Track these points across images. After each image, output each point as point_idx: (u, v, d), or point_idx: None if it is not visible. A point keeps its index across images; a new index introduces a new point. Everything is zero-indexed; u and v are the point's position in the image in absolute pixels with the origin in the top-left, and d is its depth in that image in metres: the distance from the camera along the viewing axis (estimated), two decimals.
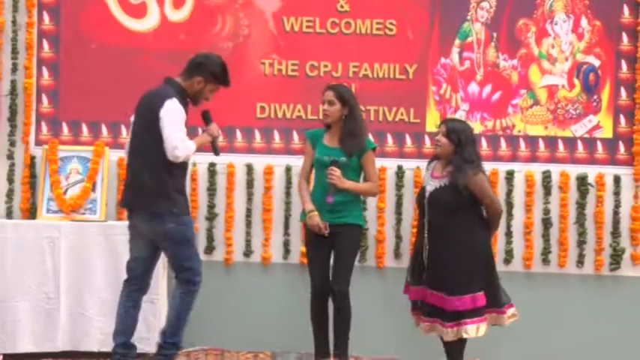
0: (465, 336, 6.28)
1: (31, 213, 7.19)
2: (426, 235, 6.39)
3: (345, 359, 6.43)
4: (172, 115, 5.95)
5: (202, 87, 6.13)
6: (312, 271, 6.53)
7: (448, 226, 6.32)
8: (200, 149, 6.19)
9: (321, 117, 6.64)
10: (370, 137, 6.79)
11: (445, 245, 6.31)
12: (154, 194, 5.98)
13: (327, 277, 6.48)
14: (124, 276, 6.68)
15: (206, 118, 6.25)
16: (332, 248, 6.48)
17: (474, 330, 6.28)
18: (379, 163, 7.04)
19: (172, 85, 6.13)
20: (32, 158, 7.28)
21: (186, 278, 6.12)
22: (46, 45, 7.38)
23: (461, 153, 6.32)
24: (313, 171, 6.60)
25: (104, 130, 7.36)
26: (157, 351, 6.27)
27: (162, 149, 5.93)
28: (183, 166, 6.11)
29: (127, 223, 6.87)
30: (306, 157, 6.63)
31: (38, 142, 7.33)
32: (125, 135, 7.32)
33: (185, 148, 5.95)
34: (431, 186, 6.41)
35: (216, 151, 6.33)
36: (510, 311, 6.44)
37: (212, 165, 7.29)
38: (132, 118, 6.26)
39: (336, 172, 6.38)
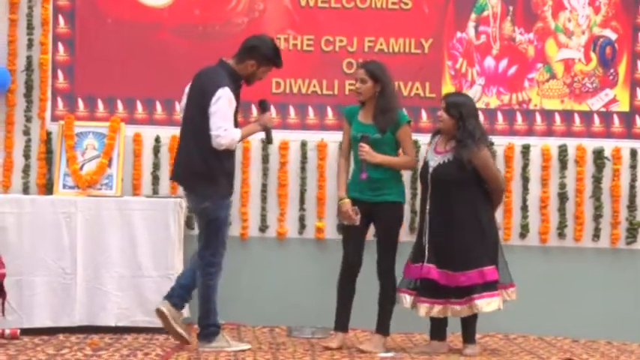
0: (475, 311, 6.28)
1: (48, 188, 7.21)
2: (427, 211, 6.38)
3: (386, 334, 6.48)
4: (221, 104, 6.08)
5: (255, 69, 6.24)
6: (346, 245, 6.55)
7: (453, 201, 6.31)
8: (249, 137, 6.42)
9: (353, 95, 6.59)
10: (404, 111, 6.70)
11: (450, 221, 6.31)
12: (200, 176, 6.17)
13: (360, 252, 6.50)
14: (140, 251, 6.77)
15: (263, 107, 6.39)
16: (370, 224, 6.50)
17: (483, 305, 6.27)
18: None
19: (225, 69, 6.22)
20: (48, 134, 7.29)
21: (205, 258, 6.21)
22: (61, 20, 7.38)
23: (463, 127, 6.28)
24: None
25: (120, 105, 7.37)
26: (197, 334, 6.38)
27: (203, 131, 6.11)
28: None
29: (142, 198, 7.01)
30: (345, 134, 6.62)
31: (54, 118, 7.34)
32: (140, 110, 7.35)
33: (228, 136, 6.08)
34: (434, 161, 6.40)
35: (269, 138, 6.41)
36: (514, 289, 6.48)
37: None
38: (186, 90, 6.40)
39: (364, 147, 6.37)
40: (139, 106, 7.35)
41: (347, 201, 6.46)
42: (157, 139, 7.30)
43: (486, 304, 6.28)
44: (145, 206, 6.88)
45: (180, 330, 6.29)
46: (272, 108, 6.87)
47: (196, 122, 6.17)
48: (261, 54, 6.23)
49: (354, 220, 6.40)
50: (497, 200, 6.45)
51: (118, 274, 6.77)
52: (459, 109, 6.32)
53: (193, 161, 6.18)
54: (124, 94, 7.36)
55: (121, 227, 6.80)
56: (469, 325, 6.44)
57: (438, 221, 6.34)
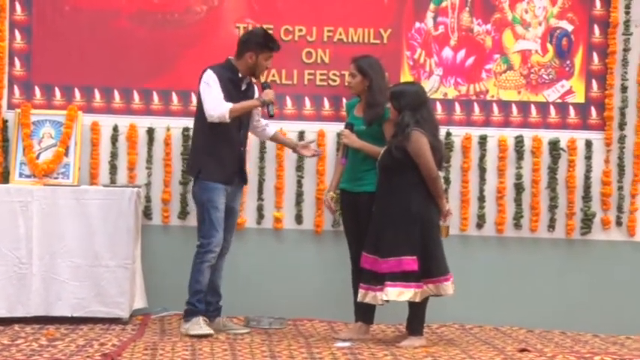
0: (384, 298, 6.25)
1: (4, 177, 7.14)
2: None
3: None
4: (205, 83, 6.46)
5: (255, 60, 6.51)
6: (348, 239, 6.70)
7: (388, 189, 6.34)
8: (246, 111, 6.56)
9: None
10: None
11: (383, 208, 6.35)
12: (191, 160, 6.71)
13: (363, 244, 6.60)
14: (98, 240, 6.75)
15: (264, 86, 6.67)
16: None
17: (394, 293, 6.22)
18: None
19: (225, 62, 6.59)
20: (4, 122, 7.22)
21: (198, 241, 6.51)
22: (18, 8, 7.30)
23: (402, 117, 6.31)
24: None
25: (77, 93, 7.31)
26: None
27: (199, 116, 6.53)
28: (225, 133, 6.45)
29: (99, 188, 6.98)
30: None
31: (11, 106, 7.27)
32: (98, 99, 7.31)
33: (217, 109, 6.40)
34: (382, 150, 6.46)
35: (269, 112, 6.61)
36: (450, 284, 6.34)
37: None
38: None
39: (345, 131, 6.56)
40: (97, 95, 7.31)
41: (330, 194, 6.69)
42: (115, 128, 7.26)
43: (398, 293, 6.23)
44: (102, 195, 6.84)
45: (239, 331, 6.64)
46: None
47: (197, 110, 6.63)
48: (254, 43, 6.50)
49: (332, 212, 6.82)
50: (434, 189, 6.31)
51: (74, 263, 6.73)
52: (399, 100, 6.35)
53: (190, 147, 6.79)
54: (81, 82, 7.32)
55: (77, 217, 6.76)
56: (414, 316, 6.43)
57: (376, 208, 6.40)
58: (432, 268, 6.30)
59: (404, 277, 6.24)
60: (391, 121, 6.46)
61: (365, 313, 6.60)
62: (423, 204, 6.30)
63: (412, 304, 6.36)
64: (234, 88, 6.54)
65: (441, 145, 6.51)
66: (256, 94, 6.70)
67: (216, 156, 6.48)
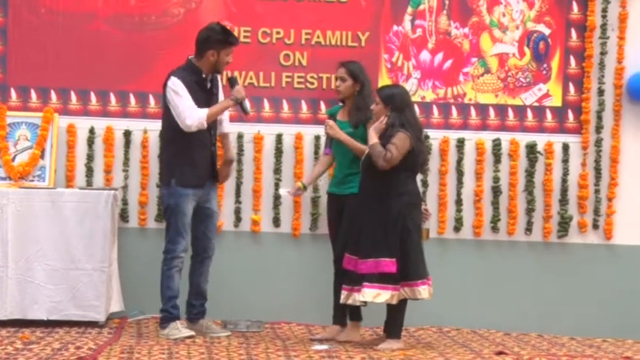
0: (361, 299, 6.24)
1: None
2: None
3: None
4: (174, 92, 6.40)
5: (217, 57, 6.49)
6: (333, 242, 6.72)
7: (366, 189, 6.36)
8: (222, 113, 6.58)
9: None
10: None
11: (362, 209, 6.35)
12: (161, 165, 6.72)
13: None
14: (74, 243, 6.70)
15: (231, 82, 6.60)
16: None
17: (371, 295, 6.21)
18: None
19: (186, 64, 6.55)
20: None
21: (165, 245, 6.52)
22: None
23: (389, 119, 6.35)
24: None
25: (53, 96, 7.27)
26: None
27: (167, 123, 6.51)
28: (197, 137, 6.42)
29: (75, 190, 6.93)
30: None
31: None
32: (74, 101, 7.27)
33: (193, 116, 6.36)
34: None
35: (244, 110, 6.58)
36: (426, 288, 6.31)
37: None
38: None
39: (329, 122, 6.61)
40: (73, 97, 7.27)
41: (299, 184, 6.81)
42: (92, 131, 7.23)
43: (374, 294, 6.22)
44: (79, 198, 6.79)
45: (221, 334, 6.61)
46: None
47: (163, 116, 6.61)
48: (215, 40, 6.47)
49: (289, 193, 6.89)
50: (373, 152, 6.24)
51: (50, 266, 6.69)
52: (387, 101, 6.37)
53: (160, 152, 6.77)
54: (57, 85, 7.27)
55: (53, 219, 6.72)
56: (392, 318, 6.42)
57: (357, 209, 6.40)
58: (409, 272, 6.29)
59: (381, 279, 6.23)
60: (373, 122, 6.46)
61: (344, 315, 6.63)
62: (405, 207, 6.30)
63: (390, 307, 6.36)
64: (200, 90, 6.51)
65: (424, 147, 6.53)
66: (220, 88, 6.72)
67: (190, 161, 6.45)
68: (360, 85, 6.62)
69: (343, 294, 6.39)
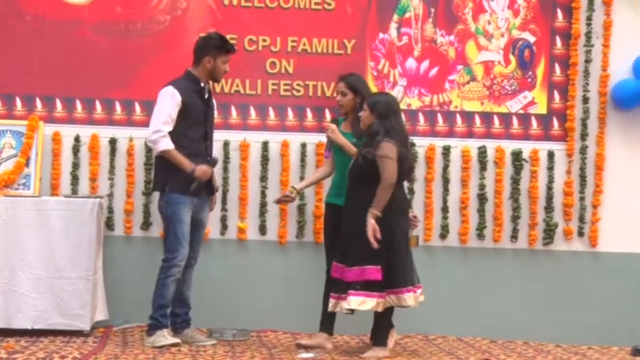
0: (346, 306, 6.24)
1: None
2: None
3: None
4: (161, 100, 6.47)
5: (213, 63, 6.55)
6: (327, 251, 6.72)
7: (356, 198, 6.35)
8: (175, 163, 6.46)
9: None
10: None
11: (349, 217, 6.36)
12: (155, 173, 6.65)
13: None
14: (59, 252, 6.68)
15: (210, 162, 6.56)
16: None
17: (356, 302, 6.21)
18: (319, 137, 7.21)
19: (185, 75, 6.58)
20: None
21: (164, 255, 6.50)
22: None
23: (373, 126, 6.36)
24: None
25: (38, 103, 7.25)
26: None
27: None
28: (192, 146, 6.46)
29: (60, 198, 6.90)
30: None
31: None
32: (60, 109, 7.25)
33: (155, 138, 6.43)
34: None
35: (193, 188, 6.45)
36: (411, 295, 6.29)
37: None
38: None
39: (331, 126, 6.66)
40: (59, 105, 7.25)
41: (291, 188, 6.84)
42: (77, 139, 7.21)
43: (360, 302, 6.22)
44: (64, 206, 6.76)
45: (207, 342, 6.59)
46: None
47: None
48: (212, 47, 6.55)
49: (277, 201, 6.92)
50: (382, 194, 6.21)
51: (34, 275, 6.66)
52: (372, 109, 6.38)
53: (155, 162, 6.67)
54: (43, 92, 7.25)
55: (38, 228, 6.69)
56: (378, 326, 6.44)
57: (344, 217, 6.41)
58: (395, 279, 6.29)
59: (367, 287, 6.23)
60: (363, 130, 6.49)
61: (331, 324, 6.64)
62: (391, 214, 6.29)
63: (377, 315, 6.36)
64: (199, 98, 6.56)
65: (409, 155, 6.52)
66: (214, 103, 6.77)
67: (183, 169, 6.45)
68: (360, 97, 6.64)
69: (331, 302, 6.39)
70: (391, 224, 6.29)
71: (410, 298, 6.31)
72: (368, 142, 6.37)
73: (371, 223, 6.19)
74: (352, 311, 6.31)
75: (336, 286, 6.39)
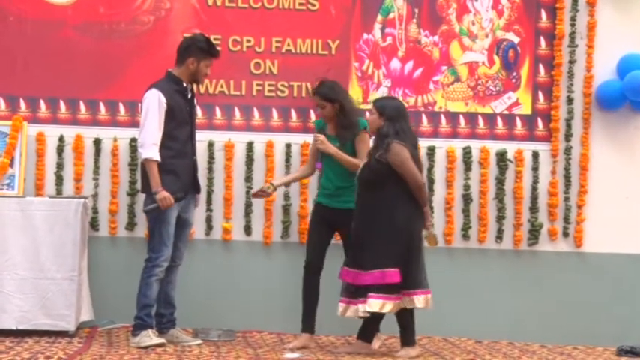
0: (367, 309, 6.26)
1: None
2: None
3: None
4: (147, 106, 6.42)
5: (197, 65, 6.54)
6: (308, 247, 6.71)
7: (371, 202, 6.35)
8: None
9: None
10: (364, 118, 6.75)
11: (367, 222, 6.34)
12: (142, 174, 6.54)
13: (321, 256, 6.65)
14: (43, 252, 6.64)
15: (178, 197, 6.45)
16: (334, 230, 6.72)
17: (377, 305, 6.26)
18: (304, 138, 7.22)
19: (166, 76, 6.56)
20: None
21: (147, 255, 6.49)
22: None
23: (381, 129, 6.37)
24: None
25: (22, 104, 7.22)
26: None
27: None
28: (178, 146, 6.46)
29: (45, 199, 6.87)
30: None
31: None
32: (44, 109, 7.22)
33: (147, 147, 6.38)
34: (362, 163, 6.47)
35: (151, 207, 6.43)
36: (422, 297, 6.38)
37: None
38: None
39: (319, 137, 6.62)
40: (42, 105, 7.22)
41: (267, 184, 6.80)
42: (61, 139, 7.18)
43: (380, 305, 6.27)
44: (48, 207, 6.74)
45: (192, 342, 6.58)
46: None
47: None
48: (196, 49, 6.53)
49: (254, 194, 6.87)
50: (420, 197, 6.35)
51: (19, 276, 6.63)
52: (381, 111, 6.40)
53: (142, 164, 6.56)
54: (26, 93, 7.22)
55: (23, 228, 6.66)
56: (406, 326, 6.47)
57: (358, 222, 6.40)
58: (410, 280, 6.34)
59: (387, 289, 6.27)
60: (363, 134, 6.54)
61: (312, 325, 6.67)
62: (408, 216, 6.34)
63: (401, 316, 6.41)
64: (182, 98, 6.54)
65: (419, 155, 6.54)
66: (195, 101, 6.78)
67: (171, 170, 6.45)
68: (338, 104, 6.62)
69: (341, 306, 6.40)
70: (409, 226, 6.33)
71: (417, 300, 6.36)
72: (377, 145, 6.36)
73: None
74: (371, 314, 6.33)
75: (346, 291, 6.39)
